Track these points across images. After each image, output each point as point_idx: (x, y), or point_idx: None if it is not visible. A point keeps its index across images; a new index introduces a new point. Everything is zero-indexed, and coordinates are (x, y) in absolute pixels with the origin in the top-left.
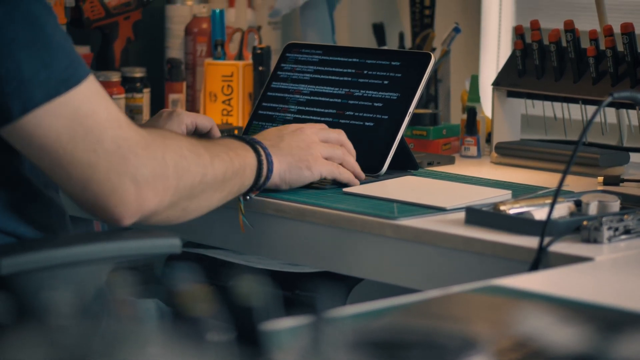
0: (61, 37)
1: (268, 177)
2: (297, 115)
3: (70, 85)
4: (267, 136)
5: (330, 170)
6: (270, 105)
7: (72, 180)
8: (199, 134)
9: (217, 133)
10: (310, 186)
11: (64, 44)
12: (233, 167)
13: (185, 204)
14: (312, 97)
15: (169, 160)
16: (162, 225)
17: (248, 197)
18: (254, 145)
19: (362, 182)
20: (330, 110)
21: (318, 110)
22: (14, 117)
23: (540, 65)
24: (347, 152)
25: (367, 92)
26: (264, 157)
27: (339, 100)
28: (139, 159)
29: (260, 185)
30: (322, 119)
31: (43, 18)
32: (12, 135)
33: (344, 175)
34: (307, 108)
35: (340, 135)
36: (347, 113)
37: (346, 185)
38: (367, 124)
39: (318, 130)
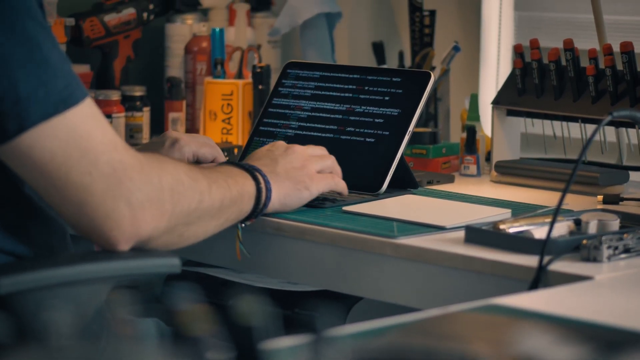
0: (59, 58)
1: (266, 205)
2: (298, 131)
3: (69, 105)
4: (262, 161)
5: (327, 185)
6: (272, 122)
7: (66, 203)
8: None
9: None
10: (308, 204)
11: (62, 64)
12: (231, 194)
13: (181, 230)
14: (313, 113)
15: (165, 184)
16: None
17: (243, 225)
18: (252, 173)
19: (361, 201)
20: (331, 126)
21: (319, 126)
22: (9, 136)
23: (539, 84)
24: (334, 160)
25: (368, 108)
26: (262, 185)
27: (340, 116)
28: (134, 183)
29: (258, 213)
30: (323, 135)
31: (40, 38)
32: (7, 155)
33: (340, 185)
34: (308, 124)
35: (323, 150)
36: (348, 129)
37: (345, 203)
38: (368, 140)
39: (305, 147)
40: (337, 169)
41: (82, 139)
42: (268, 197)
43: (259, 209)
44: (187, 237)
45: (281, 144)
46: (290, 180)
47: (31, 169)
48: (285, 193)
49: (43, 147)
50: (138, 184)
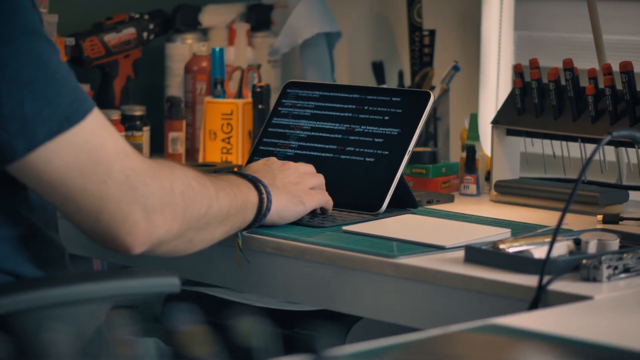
0: (65, 73)
1: (265, 215)
2: (298, 151)
3: (74, 121)
4: (261, 173)
5: (319, 201)
6: (271, 141)
7: (83, 213)
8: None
9: None
10: (308, 224)
11: (67, 79)
12: (236, 202)
13: (191, 235)
14: (312, 133)
15: (177, 189)
16: (167, 256)
17: (244, 233)
18: (255, 183)
19: (361, 221)
20: (331, 146)
21: (319, 145)
22: (18, 156)
23: (539, 103)
24: (323, 178)
25: (367, 127)
26: (265, 196)
27: (340, 136)
28: (148, 188)
29: (258, 223)
30: (323, 154)
31: (46, 55)
32: (20, 173)
33: (329, 202)
34: (307, 144)
35: (311, 168)
36: (348, 149)
37: (345, 223)
38: (367, 159)
39: (297, 164)
40: (324, 187)
41: (95, 150)
42: (268, 208)
43: (259, 218)
44: (196, 242)
45: (275, 159)
46: (287, 194)
47: (47, 184)
48: (283, 206)
49: (59, 162)
50: (151, 188)
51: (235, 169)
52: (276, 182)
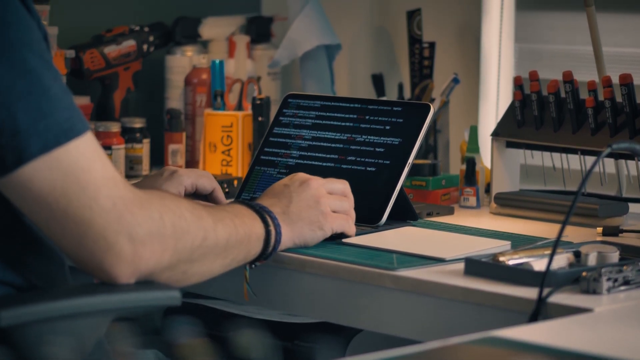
0: (59, 90)
1: (275, 248)
2: (299, 161)
3: (70, 137)
4: (275, 200)
5: (341, 225)
6: (273, 151)
7: (66, 237)
8: (200, 196)
9: (221, 195)
10: None
11: (62, 96)
12: (237, 234)
13: (185, 267)
14: (314, 142)
15: (167, 220)
16: None
17: (254, 266)
18: (262, 215)
19: (361, 233)
20: (332, 156)
21: (320, 155)
22: (8, 169)
23: (539, 115)
24: (351, 204)
25: (369, 137)
26: (272, 228)
27: (341, 146)
28: (135, 218)
29: (268, 255)
30: (324, 164)
31: (40, 70)
32: (6, 188)
33: (352, 229)
34: (309, 153)
35: (345, 185)
36: (349, 158)
37: (345, 236)
38: (369, 169)
39: (324, 182)
40: (352, 213)
41: (83, 172)
42: (278, 241)
43: (268, 251)
44: (191, 274)
45: (299, 177)
46: (303, 221)
47: (31, 202)
48: (299, 234)
49: (42, 179)
50: (139, 218)
51: (235, 182)
52: (290, 209)
